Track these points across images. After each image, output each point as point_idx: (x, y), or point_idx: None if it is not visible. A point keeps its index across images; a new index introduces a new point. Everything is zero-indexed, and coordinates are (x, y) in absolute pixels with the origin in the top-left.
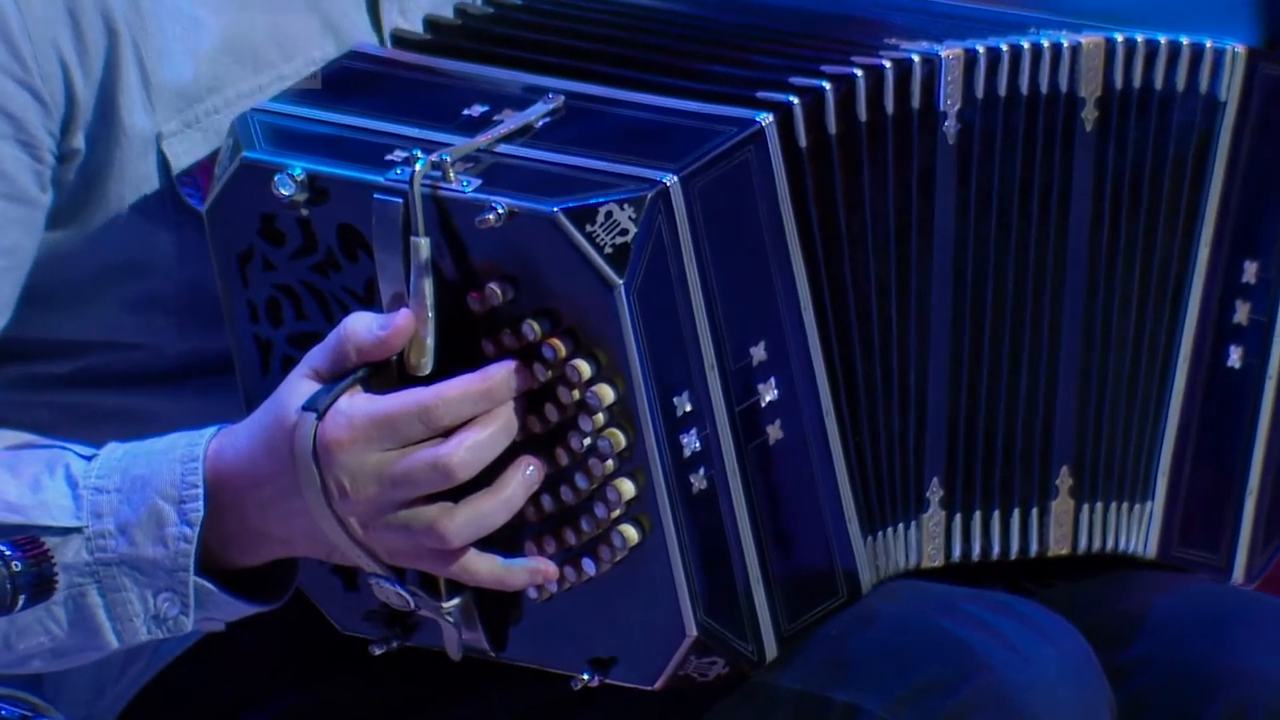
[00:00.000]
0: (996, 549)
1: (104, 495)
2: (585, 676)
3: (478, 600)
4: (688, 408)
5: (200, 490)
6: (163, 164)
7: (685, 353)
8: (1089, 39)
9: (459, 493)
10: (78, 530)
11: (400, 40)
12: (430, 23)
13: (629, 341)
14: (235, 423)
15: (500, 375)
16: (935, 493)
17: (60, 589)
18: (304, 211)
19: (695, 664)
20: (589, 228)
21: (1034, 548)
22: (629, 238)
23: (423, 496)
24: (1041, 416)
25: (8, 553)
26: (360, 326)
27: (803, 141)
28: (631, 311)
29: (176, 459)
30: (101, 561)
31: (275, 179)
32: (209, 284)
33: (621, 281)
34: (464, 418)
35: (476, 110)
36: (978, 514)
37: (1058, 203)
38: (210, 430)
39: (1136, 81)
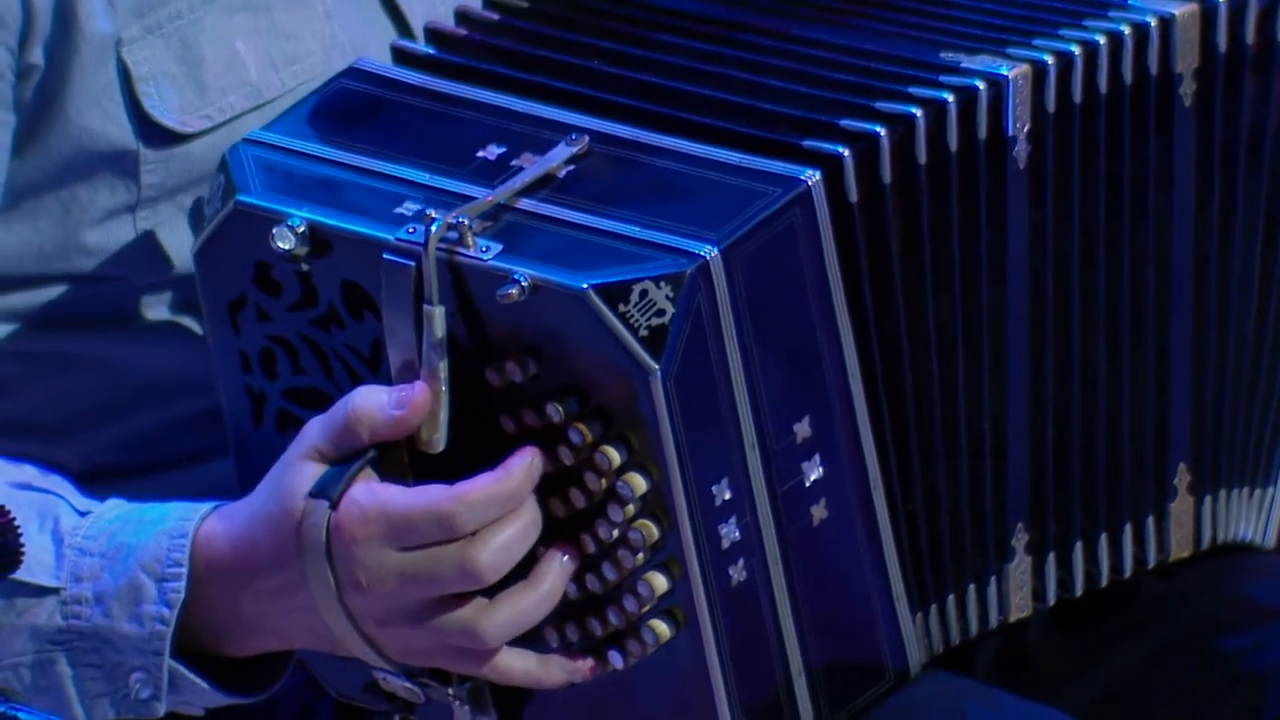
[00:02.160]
0: (1104, 575)
1: (87, 558)
2: None
3: (490, 683)
4: (727, 495)
5: (184, 570)
6: (123, 72)
7: (725, 437)
8: (1183, 9)
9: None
10: (54, 591)
11: (402, 55)
12: (432, 33)
13: (665, 430)
14: (229, 500)
15: (522, 472)
16: (1020, 539)
17: (29, 654)
18: (305, 266)
19: None
20: (622, 307)
21: (1151, 558)
22: (666, 319)
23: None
24: (1152, 418)
25: None
26: (373, 405)
27: (853, 197)
28: (668, 398)
29: (165, 532)
30: (75, 630)
31: (274, 231)
32: (177, 197)
33: (658, 367)
34: (486, 521)
35: (493, 152)
36: (1078, 545)
37: (1156, 190)
38: (206, 508)
39: (1250, 37)
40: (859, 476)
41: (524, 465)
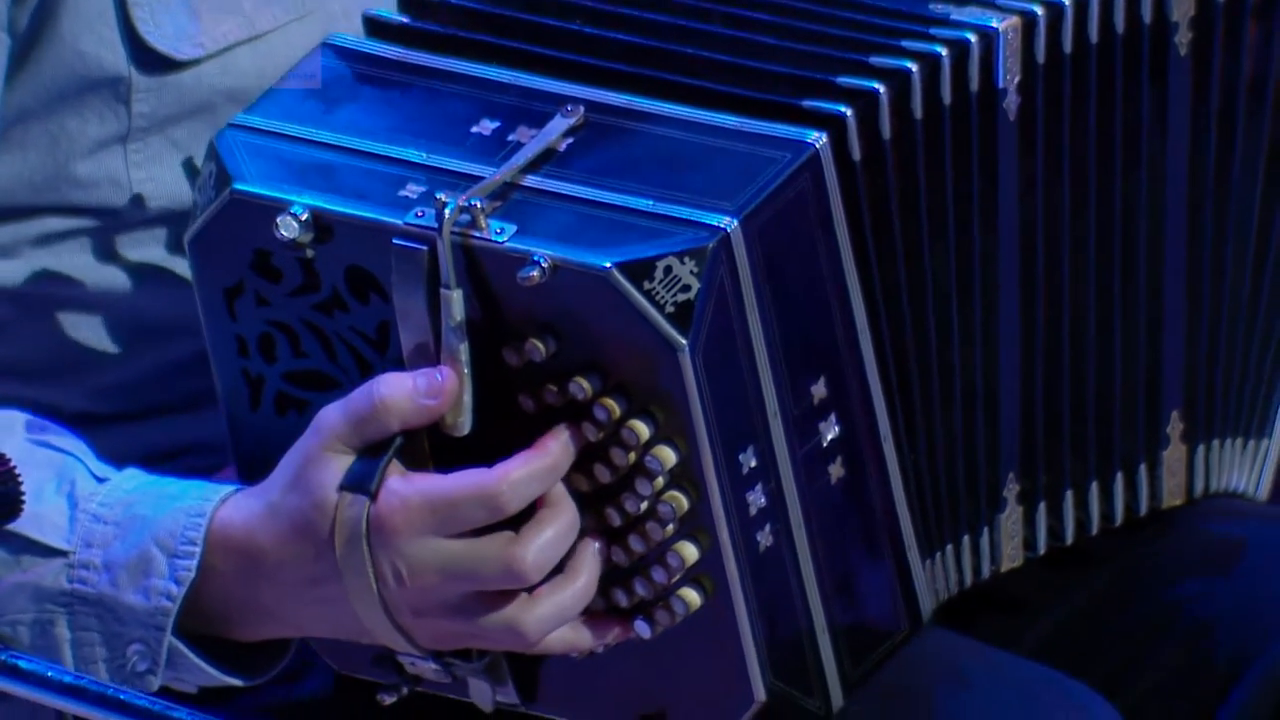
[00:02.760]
0: (1095, 522)
1: (100, 525)
2: None
3: (507, 655)
4: (753, 463)
5: (198, 550)
6: None
7: (749, 406)
8: None
9: None
10: (63, 554)
11: (375, 26)
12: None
13: (694, 404)
14: (250, 485)
15: (560, 447)
16: (1011, 489)
17: (30, 612)
18: (309, 252)
19: None
20: (647, 285)
21: (1143, 505)
22: (692, 294)
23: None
24: (1145, 367)
25: None
26: (402, 394)
27: (856, 155)
28: (696, 373)
29: (183, 509)
30: (78, 595)
31: (278, 220)
32: (167, 130)
33: (686, 343)
34: (529, 500)
35: (487, 128)
36: (1069, 493)
37: (1149, 140)
38: (226, 490)
39: None
40: (871, 431)
41: (561, 441)
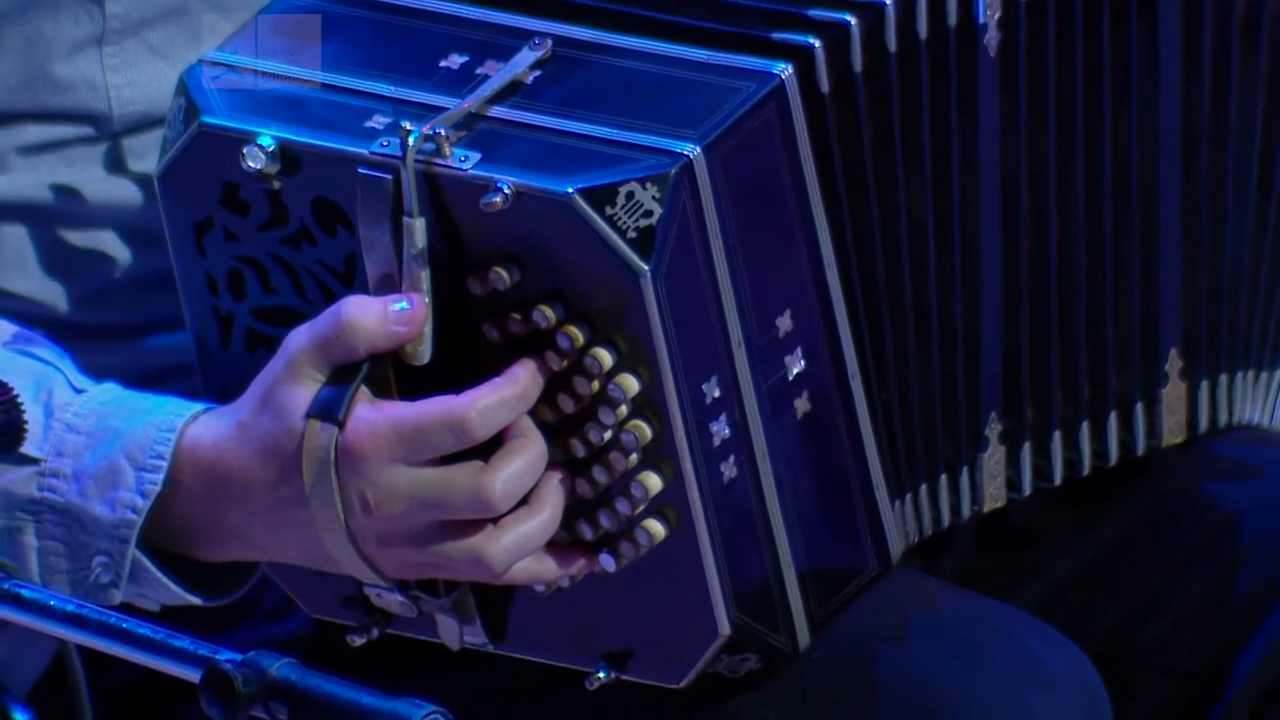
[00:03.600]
0: (1087, 462)
1: (73, 435)
2: (601, 675)
3: (475, 589)
4: (716, 393)
5: (165, 465)
6: None
7: (713, 335)
8: None
9: None
10: (35, 461)
11: None
12: None
13: (656, 331)
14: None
15: (528, 376)
16: (993, 428)
17: (3, 519)
18: (275, 184)
19: (726, 661)
20: (609, 210)
21: (1140, 445)
22: (654, 219)
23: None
24: (1139, 305)
25: None
26: (369, 318)
27: (825, 87)
28: (659, 299)
29: (153, 423)
30: (47, 504)
31: (244, 151)
32: (143, 33)
33: (648, 269)
34: (498, 427)
35: (455, 61)
36: (1057, 434)
37: (1139, 78)
38: (198, 407)
39: None
40: (838, 368)
41: (529, 370)
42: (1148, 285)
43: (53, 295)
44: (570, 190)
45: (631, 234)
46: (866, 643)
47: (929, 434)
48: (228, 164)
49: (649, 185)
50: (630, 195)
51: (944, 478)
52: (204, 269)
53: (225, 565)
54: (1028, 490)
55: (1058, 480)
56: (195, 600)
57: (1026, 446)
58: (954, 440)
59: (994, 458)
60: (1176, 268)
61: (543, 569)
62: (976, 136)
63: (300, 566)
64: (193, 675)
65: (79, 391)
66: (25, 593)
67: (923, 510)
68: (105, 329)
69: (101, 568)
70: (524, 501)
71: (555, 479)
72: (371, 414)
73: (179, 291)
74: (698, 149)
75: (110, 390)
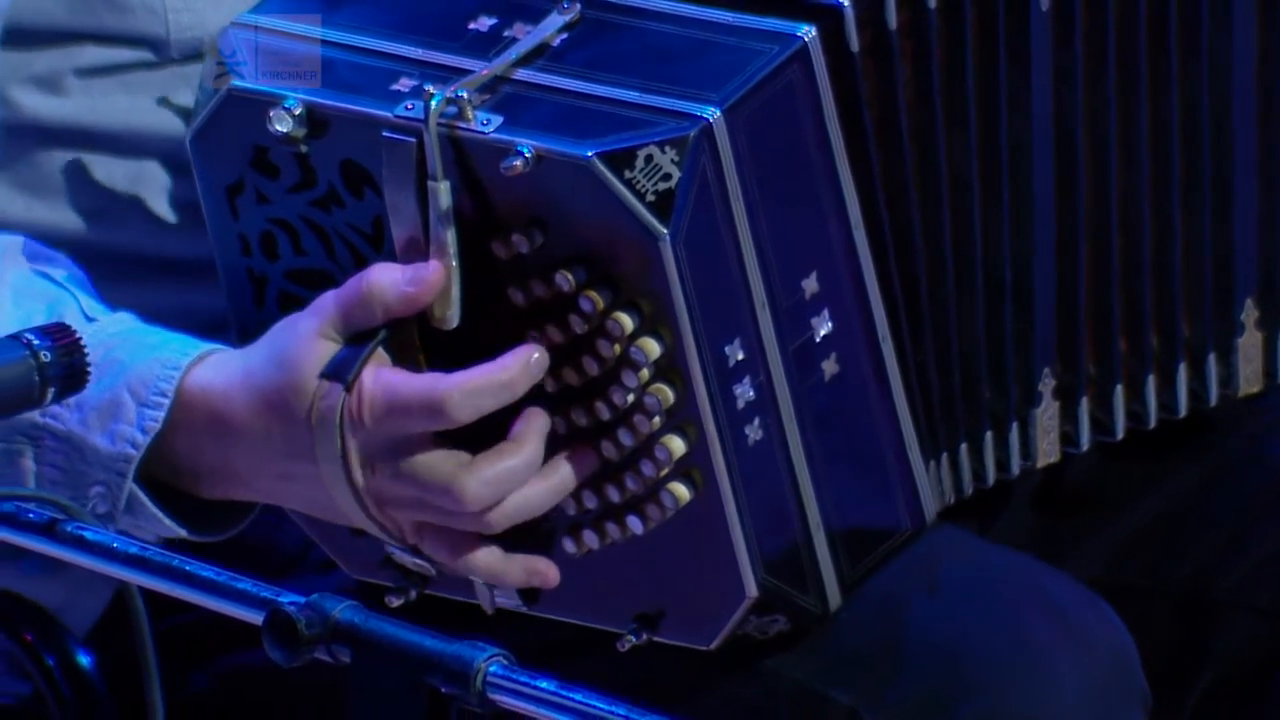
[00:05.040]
0: (1153, 415)
1: None
2: (632, 637)
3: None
4: (740, 356)
5: (167, 402)
6: None
7: (736, 297)
8: None
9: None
10: None
11: None
12: None
13: (676, 294)
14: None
15: (520, 364)
16: (1047, 383)
17: (3, 444)
18: (303, 148)
19: (755, 623)
20: (628, 174)
21: (1213, 395)
22: (672, 183)
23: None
24: (1211, 256)
25: (36, 342)
26: (387, 282)
27: (854, 46)
28: (678, 262)
29: (159, 359)
30: (49, 430)
31: (271, 114)
32: None
33: (666, 231)
34: (481, 412)
35: (484, 24)
36: (1119, 387)
37: (1211, 28)
38: (205, 347)
39: None
40: (867, 329)
41: (522, 358)
42: (1220, 235)
43: (94, 226)
44: (589, 154)
45: (650, 197)
46: (897, 604)
47: (972, 391)
48: (257, 127)
49: (668, 149)
50: (649, 159)
51: (990, 434)
52: (237, 230)
53: (224, 502)
54: (1085, 445)
55: (1120, 434)
56: (191, 536)
57: (1084, 401)
58: (1003, 396)
59: (1047, 413)
60: (1252, 217)
61: (505, 569)
62: (1028, 89)
63: (338, 529)
64: (255, 618)
65: (90, 320)
66: (88, 535)
67: (963, 468)
68: (158, 262)
69: (99, 498)
70: (505, 438)
71: (539, 418)
72: (374, 380)
73: (213, 251)
74: (718, 112)
75: (122, 321)
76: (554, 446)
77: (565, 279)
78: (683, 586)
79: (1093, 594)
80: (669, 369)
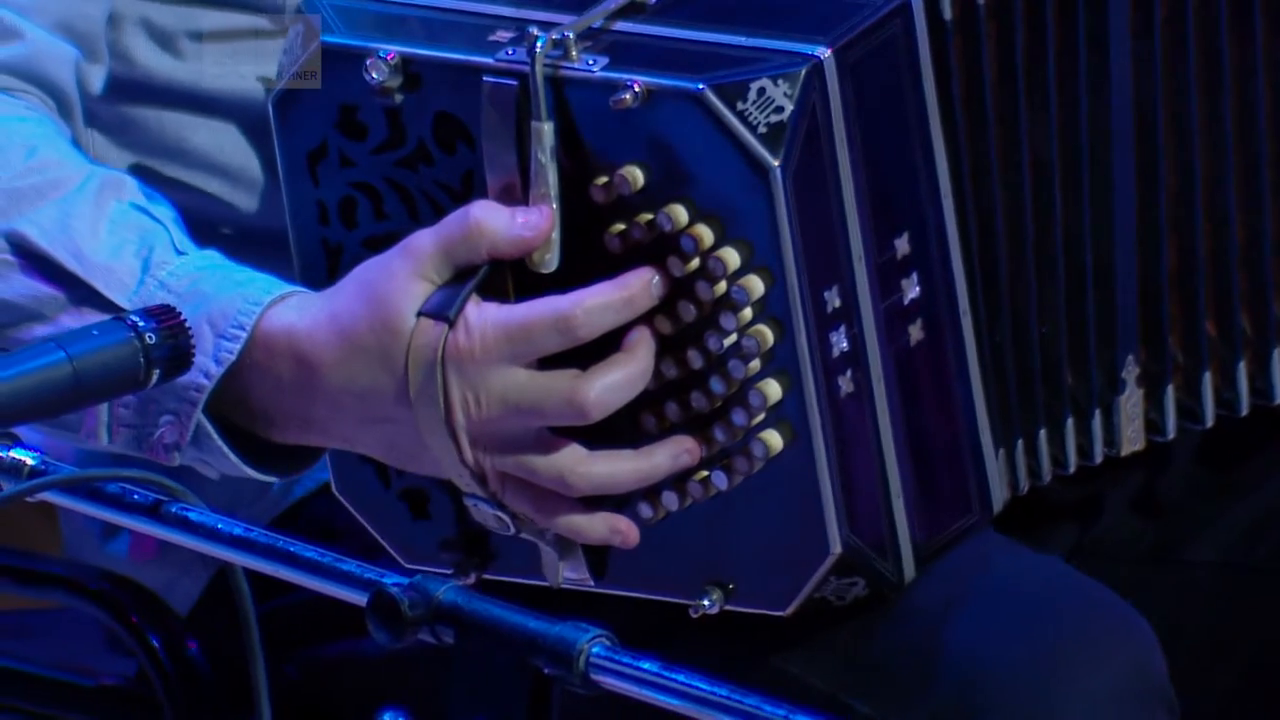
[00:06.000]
0: (1245, 402)
1: (163, 292)
2: (705, 603)
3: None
4: (837, 303)
5: (244, 335)
6: None
7: (835, 243)
8: None
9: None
10: (120, 310)
11: None
12: None
13: (784, 228)
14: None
15: (640, 283)
16: (1131, 371)
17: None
18: (397, 98)
19: (834, 585)
20: (740, 105)
21: None
22: (784, 116)
23: (552, 432)
24: None
25: (141, 324)
26: (499, 221)
27: (948, 14)
28: (787, 196)
29: (241, 294)
30: None
31: (368, 63)
32: None
33: (777, 164)
34: (604, 329)
35: None
36: (1207, 374)
37: None
38: (290, 289)
39: None
40: (950, 301)
41: (643, 278)
42: None
43: (183, 190)
44: (701, 86)
45: (762, 129)
46: (917, 610)
47: (1054, 376)
48: (348, 84)
49: (780, 82)
50: (762, 91)
51: (1071, 420)
52: (316, 198)
53: (292, 446)
54: (1172, 433)
55: (1209, 422)
56: (255, 475)
57: (1170, 388)
58: (1085, 382)
59: (1131, 400)
60: None
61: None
62: (1107, 74)
63: (396, 515)
64: (359, 599)
65: (180, 253)
66: (193, 516)
67: (1042, 454)
68: (242, 232)
69: (168, 426)
70: (617, 349)
71: (646, 331)
72: (479, 315)
73: (288, 226)
74: (828, 51)
75: (210, 257)
76: (641, 402)
77: (668, 217)
78: (761, 548)
79: (1120, 600)
80: (767, 313)
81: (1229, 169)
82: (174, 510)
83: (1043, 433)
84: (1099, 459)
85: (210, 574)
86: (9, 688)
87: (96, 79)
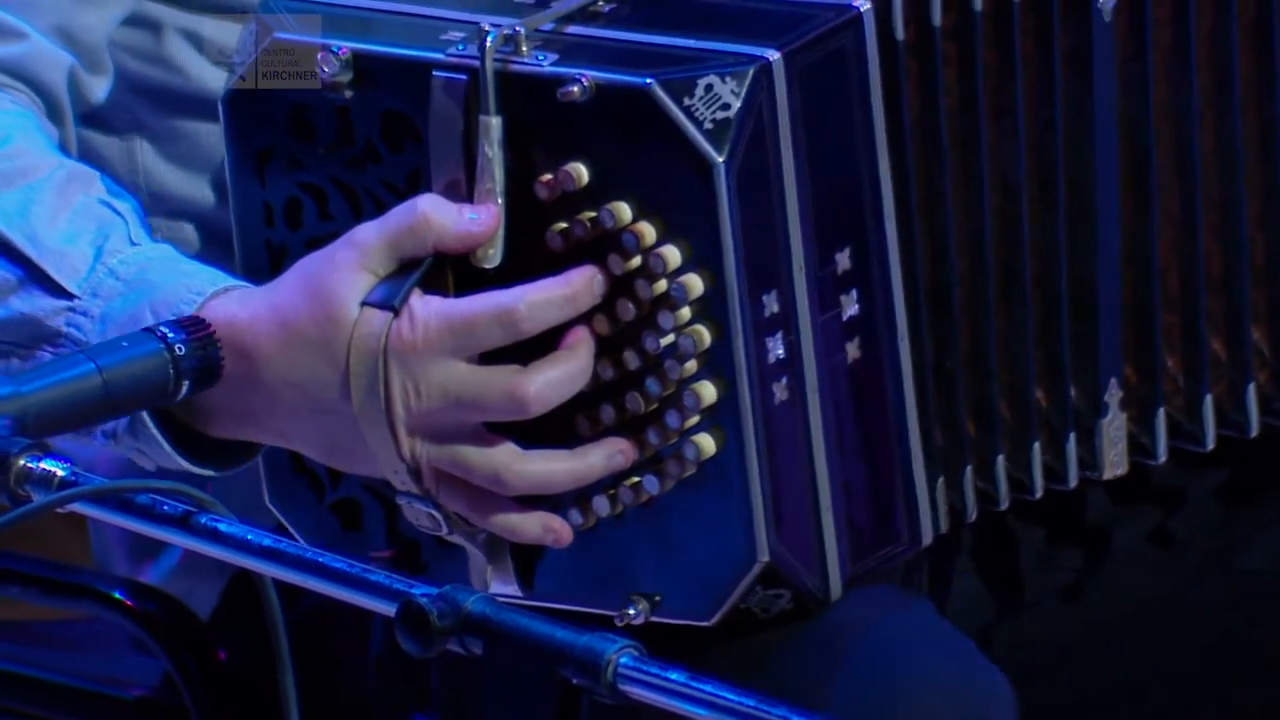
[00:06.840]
0: (1255, 424)
1: (112, 280)
2: (631, 611)
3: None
4: (775, 308)
5: None
6: None
7: (776, 246)
8: None
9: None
10: (70, 297)
11: None
12: None
13: (725, 225)
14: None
15: (584, 279)
16: (1114, 394)
17: (23, 344)
18: (347, 94)
19: (760, 596)
20: (687, 101)
21: None
22: (730, 113)
23: (489, 429)
24: None
25: (171, 335)
26: (446, 215)
27: (899, 34)
28: (729, 193)
29: (186, 285)
30: (71, 339)
31: (318, 58)
32: None
33: (722, 160)
34: (546, 325)
35: None
36: (1208, 397)
37: None
38: (234, 283)
39: None
40: (890, 324)
41: (585, 275)
42: None
43: (222, 206)
44: (649, 81)
45: (708, 125)
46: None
47: (1018, 401)
48: (298, 80)
49: (729, 79)
50: (709, 88)
51: (1037, 445)
52: (262, 199)
53: (230, 441)
54: (1163, 456)
55: (1210, 444)
56: (191, 469)
57: (1160, 411)
58: (1059, 405)
59: (1114, 423)
60: None
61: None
62: (1090, 99)
63: (319, 523)
64: (388, 609)
65: (135, 244)
66: (222, 527)
67: (999, 480)
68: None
69: None
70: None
71: (585, 331)
72: (423, 307)
73: (233, 226)
74: (778, 54)
75: (162, 249)
76: (576, 404)
77: (611, 214)
78: (688, 556)
79: (979, 652)
80: (706, 313)
81: (1242, 193)
82: (204, 521)
83: (1000, 458)
84: (1073, 482)
85: (224, 580)
86: (39, 698)
87: (99, 89)
